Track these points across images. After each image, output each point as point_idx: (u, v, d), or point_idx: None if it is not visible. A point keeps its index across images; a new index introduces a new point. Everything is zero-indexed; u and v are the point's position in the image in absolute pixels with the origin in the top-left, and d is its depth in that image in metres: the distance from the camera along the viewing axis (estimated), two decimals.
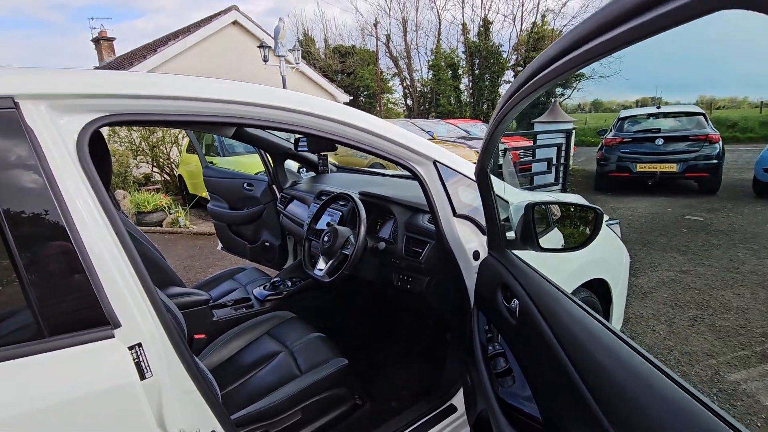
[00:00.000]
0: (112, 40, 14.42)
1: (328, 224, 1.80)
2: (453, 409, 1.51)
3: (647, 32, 0.42)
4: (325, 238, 1.62)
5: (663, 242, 4.32)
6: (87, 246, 0.76)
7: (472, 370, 1.28)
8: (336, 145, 1.80)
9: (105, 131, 8.88)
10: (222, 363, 1.53)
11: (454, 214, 1.39)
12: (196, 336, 1.59)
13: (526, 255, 1.18)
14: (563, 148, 6.28)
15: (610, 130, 7.54)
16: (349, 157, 8.03)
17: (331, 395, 1.39)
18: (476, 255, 1.45)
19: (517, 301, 0.96)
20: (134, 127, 8.41)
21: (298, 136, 1.94)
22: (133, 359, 0.78)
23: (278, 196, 2.69)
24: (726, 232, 4.62)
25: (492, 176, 1.18)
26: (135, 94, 0.88)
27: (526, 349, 0.94)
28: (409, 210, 1.63)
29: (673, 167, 6.48)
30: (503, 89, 19.84)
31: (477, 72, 21.02)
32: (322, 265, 1.64)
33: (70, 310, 0.75)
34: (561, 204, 1.31)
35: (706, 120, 6.74)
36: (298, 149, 1.93)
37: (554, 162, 6.23)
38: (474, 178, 1.46)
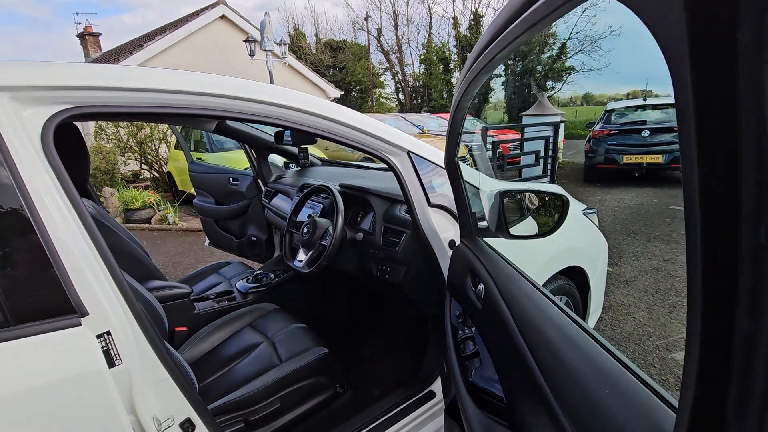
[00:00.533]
0: (98, 35, 14.18)
1: (308, 216, 1.82)
2: (432, 395, 1.55)
3: None
4: (305, 230, 1.64)
5: (647, 232, 4.39)
6: (52, 237, 0.77)
7: (448, 355, 1.31)
8: (316, 138, 1.81)
9: (90, 127, 8.80)
10: (203, 355, 1.55)
11: (429, 203, 1.41)
12: (177, 329, 1.60)
13: (498, 243, 1.21)
14: (551, 140, 6.33)
15: (598, 123, 7.61)
16: (340, 151, 8.02)
17: (311, 383, 1.42)
18: (452, 244, 1.47)
19: (482, 286, 0.99)
20: (121, 124, 8.33)
21: (278, 129, 1.95)
22: (102, 347, 0.80)
23: (263, 190, 2.69)
24: None
25: (464, 166, 1.20)
26: (104, 86, 0.88)
27: (491, 332, 0.96)
28: (386, 201, 1.65)
29: (659, 158, 6.57)
30: (495, 83, 19.87)
31: None
32: (302, 256, 1.66)
33: (37, 299, 0.76)
34: (531, 192, 1.34)
35: None
36: (281, 143, 1.94)
37: (542, 154, 6.29)
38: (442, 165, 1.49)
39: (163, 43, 10.71)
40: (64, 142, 0.83)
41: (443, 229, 1.45)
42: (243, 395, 1.28)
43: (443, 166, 1.46)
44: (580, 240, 1.96)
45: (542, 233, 1.24)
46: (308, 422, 1.41)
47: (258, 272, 1.93)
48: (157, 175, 8.60)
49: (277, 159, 2.90)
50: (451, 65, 21.60)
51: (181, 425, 0.96)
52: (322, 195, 1.96)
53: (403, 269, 1.53)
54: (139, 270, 1.63)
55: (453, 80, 21.71)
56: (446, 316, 1.22)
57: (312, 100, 1.20)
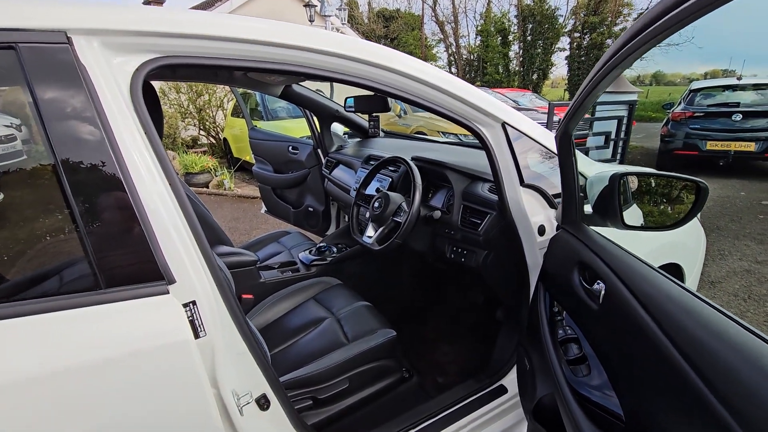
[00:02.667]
0: None
1: (377, 190, 1.72)
2: (503, 390, 1.44)
3: None
4: (375, 204, 1.54)
5: (735, 229, 3.93)
6: (143, 199, 0.71)
7: (532, 352, 1.18)
8: (388, 105, 1.68)
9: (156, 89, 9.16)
10: (269, 324, 1.52)
11: (522, 183, 1.26)
12: (244, 296, 1.59)
13: (604, 233, 1.05)
14: (624, 121, 5.77)
15: (679, 103, 6.85)
16: (391, 125, 7.85)
17: (379, 366, 1.35)
18: (541, 230, 1.32)
19: (601, 284, 0.84)
20: (182, 90, 8.62)
21: (348, 96, 1.84)
22: (188, 317, 0.75)
23: (323, 160, 2.63)
24: None
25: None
26: (196, 34, 0.80)
27: (612, 337, 0.82)
28: (467, 177, 1.51)
29: (751, 146, 5.82)
30: (557, 57, 18.53)
31: (529, 38, 19.69)
32: (371, 232, 1.57)
33: (127, 264, 0.71)
34: (655, 176, 1.14)
35: None
36: (347, 109, 1.84)
37: (613, 136, 5.76)
38: (545, 145, 1.32)
39: (222, 8, 10.84)
40: (144, 98, 0.77)
41: (533, 213, 1.30)
42: (311, 372, 1.23)
43: (537, 139, 1.30)
44: (682, 234, 1.72)
45: (666, 225, 1.06)
46: (374, 404, 1.35)
47: (321, 245, 1.88)
48: (214, 142, 8.88)
49: (338, 128, 2.81)
50: (510, 37, 20.31)
51: (257, 401, 0.91)
52: (390, 168, 1.85)
53: (483, 253, 1.40)
54: (210, 235, 1.62)
55: (511, 53, 20.49)
56: (541, 311, 1.08)
57: (399, 57, 1.07)
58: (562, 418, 0.91)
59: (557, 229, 1.36)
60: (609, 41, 17.32)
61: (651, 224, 1.11)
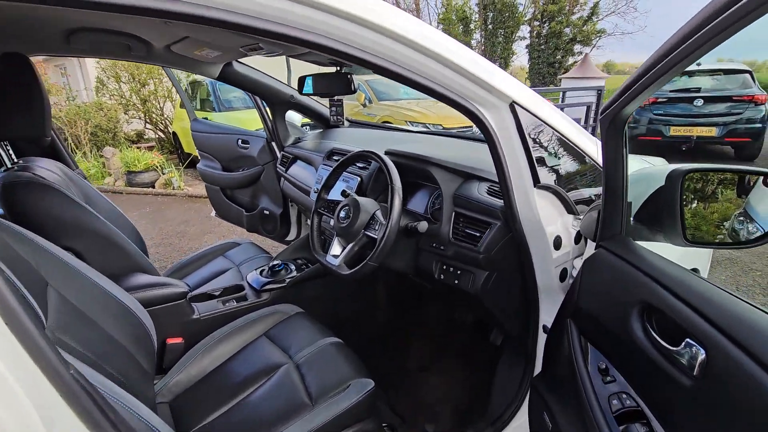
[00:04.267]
0: None
1: (343, 193, 1.36)
2: None
3: None
4: (342, 213, 1.19)
5: None
6: None
7: (560, 412, 0.88)
8: (352, 86, 1.33)
9: (92, 80, 8.24)
10: (204, 377, 1.15)
11: (536, 183, 0.95)
12: (170, 340, 1.20)
13: (657, 250, 0.76)
14: (593, 107, 5.69)
15: None
16: (355, 116, 7.44)
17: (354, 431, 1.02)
18: (557, 242, 1.02)
19: (700, 350, 0.54)
20: (123, 79, 7.79)
21: (305, 75, 1.47)
22: None
23: (278, 155, 2.23)
24: None
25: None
26: None
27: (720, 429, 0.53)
28: (458, 176, 1.19)
29: (712, 131, 5.90)
30: (517, 46, 18.61)
31: (490, 27, 19.65)
32: (337, 249, 1.22)
33: None
34: (731, 171, 0.86)
35: (753, 79, 6.07)
36: (303, 93, 1.46)
37: (582, 123, 5.67)
38: (565, 134, 1.01)
39: None
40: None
41: (548, 221, 1.00)
42: None
43: (553, 125, 0.99)
44: None
45: (749, 240, 0.77)
46: None
47: (275, 263, 1.50)
48: (163, 136, 8.13)
49: (294, 118, 2.41)
50: (472, 25, 20.22)
51: None
52: (359, 165, 1.50)
53: (484, 275, 1.08)
54: (118, 260, 1.22)
55: (473, 42, 20.42)
56: (578, 366, 0.78)
57: (384, 10, 0.74)
58: None
59: (576, 240, 1.07)
60: (567, 30, 17.58)
61: (720, 239, 0.83)
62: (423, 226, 1.11)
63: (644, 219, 0.82)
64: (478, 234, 1.06)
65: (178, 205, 4.86)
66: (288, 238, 2.57)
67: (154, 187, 5.52)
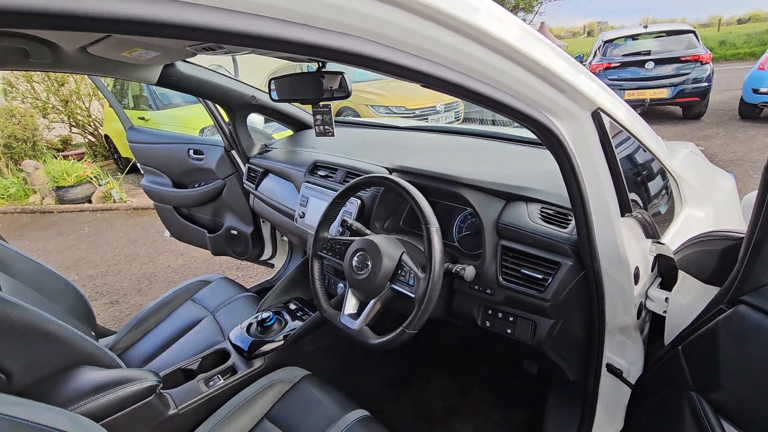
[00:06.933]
0: None
1: (344, 223, 1.08)
2: None
3: None
4: (355, 262, 0.91)
5: None
6: None
7: None
8: (348, 89, 1.03)
9: None
10: None
11: (624, 212, 0.72)
12: None
13: None
14: None
15: (594, 55, 6.94)
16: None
17: None
18: (636, 275, 0.82)
19: None
20: (36, 80, 6.77)
21: (273, 77, 1.14)
22: None
23: (243, 168, 1.88)
24: (733, 161, 4.32)
25: None
26: None
27: None
28: (498, 198, 0.94)
29: (664, 93, 6.06)
30: None
31: None
32: (352, 305, 0.94)
33: None
34: None
35: (697, 38, 6.25)
36: (274, 98, 1.13)
37: None
38: (656, 153, 0.79)
39: None
40: None
41: (628, 252, 0.79)
42: None
43: (639, 137, 0.76)
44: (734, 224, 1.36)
45: None
46: None
47: (264, 316, 1.19)
48: (94, 140, 7.24)
49: (256, 120, 2.05)
50: None
51: None
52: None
53: (549, 324, 0.86)
54: (51, 357, 0.88)
55: None
56: None
57: None
58: None
59: (652, 268, 0.87)
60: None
61: None
62: (470, 272, 0.86)
63: None
64: (540, 276, 0.83)
65: (123, 221, 4.29)
66: (263, 258, 2.25)
67: (90, 201, 4.86)
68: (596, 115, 0.66)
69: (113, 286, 2.96)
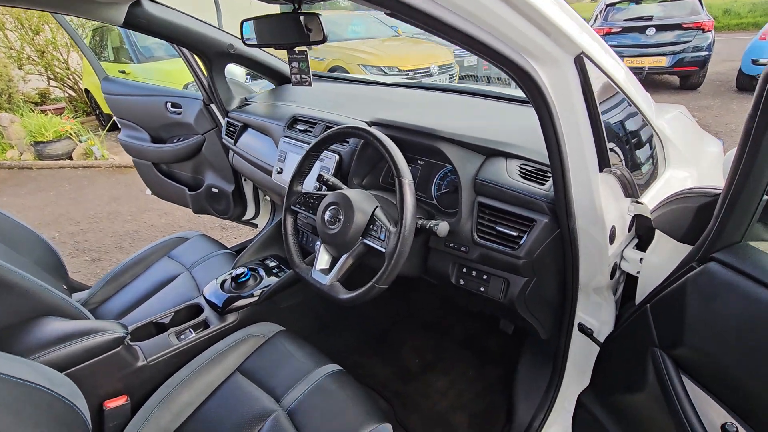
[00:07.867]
0: None
1: (320, 178, 1.04)
2: None
3: None
4: (327, 216, 0.88)
5: None
6: None
7: None
8: (323, 33, 0.97)
9: None
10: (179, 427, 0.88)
11: (603, 167, 0.70)
12: (109, 403, 0.89)
13: None
14: None
15: (595, 19, 6.70)
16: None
17: None
18: (612, 235, 0.81)
19: None
20: (8, 26, 6.37)
21: (245, 19, 1.06)
22: None
23: (222, 122, 1.81)
24: (725, 133, 4.31)
25: None
26: None
27: None
28: (477, 154, 0.91)
29: (662, 61, 5.92)
30: None
31: None
32: (324, 261, 0.92)
33: None
34: None
35: (701, 4, 6.04)
36: (247, 42, 1.06)
37: None
38: (629, 95, 0.75)
39: None
40: None
41: (605, 210, 0.77)
42: None
43: (625, 89, 0.72)
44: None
45: None
46: None
47: (239, 272, 1.17)
48: (74, 94, 6.94)
49: (236, 72, 1.95)
50: None
51: None
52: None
53: (522, 282, 0.85)
54: (14, 307, 0.85)
55: None
56: (686, 419, 0.59)
57: None
58: None
59: (629, 228, 0.86)
60: None
61: None
62: (444, 228, 0.84)
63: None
64: (515, 234, 0.81)
65: (104, 179, 4.19)
66: (246, 217, 2.22)
67: (71, 158, 4.72)
68: (579, 60, 0.62)
69: (95, 243, 2.92)
